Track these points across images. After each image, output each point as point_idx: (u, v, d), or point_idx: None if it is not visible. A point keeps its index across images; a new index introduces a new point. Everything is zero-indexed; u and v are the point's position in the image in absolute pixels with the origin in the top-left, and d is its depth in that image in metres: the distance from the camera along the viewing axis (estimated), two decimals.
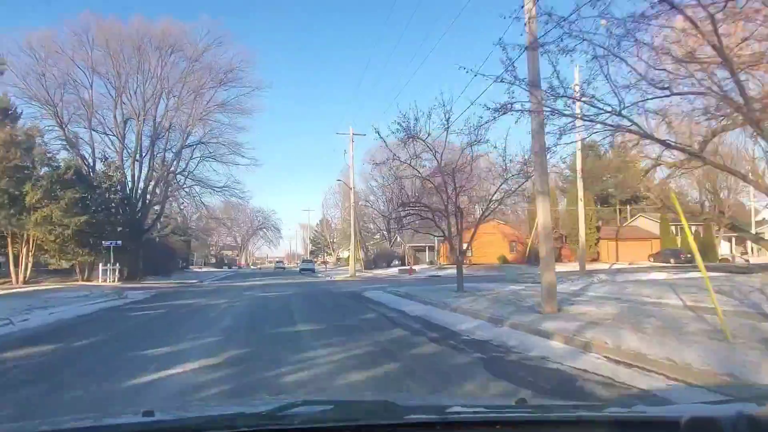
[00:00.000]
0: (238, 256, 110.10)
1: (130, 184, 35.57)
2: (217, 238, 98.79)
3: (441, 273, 37.78)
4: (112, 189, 33.00)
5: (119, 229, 32.23)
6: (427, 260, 60.18)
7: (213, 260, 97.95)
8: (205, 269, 75.43)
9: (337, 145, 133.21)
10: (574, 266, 44.28)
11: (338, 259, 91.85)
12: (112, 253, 31.31)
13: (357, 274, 38.71)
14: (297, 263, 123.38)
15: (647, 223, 56.99)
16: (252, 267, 78.56)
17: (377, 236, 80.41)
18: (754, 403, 1.58)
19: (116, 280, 33.42)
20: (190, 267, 74.96)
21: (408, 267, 40.78)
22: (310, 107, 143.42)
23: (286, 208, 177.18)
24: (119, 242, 31.23)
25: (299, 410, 1.53)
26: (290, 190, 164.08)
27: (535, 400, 3.74)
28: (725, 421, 1.25)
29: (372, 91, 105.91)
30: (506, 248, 46.31)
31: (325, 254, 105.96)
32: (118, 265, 34.83)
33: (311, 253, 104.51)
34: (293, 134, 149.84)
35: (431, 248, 61.26)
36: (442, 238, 54.25)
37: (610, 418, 1.53)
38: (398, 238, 65.57)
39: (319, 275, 47.85)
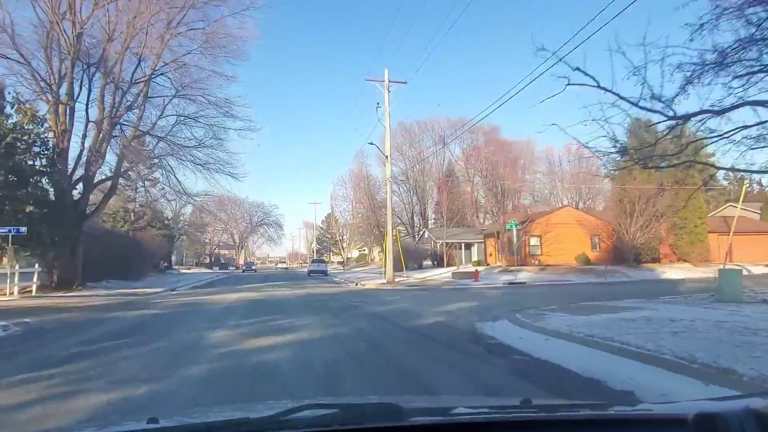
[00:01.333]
0: (236, 255, 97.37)
1: (62, 144, 22.86)
2: (211, 235, 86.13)
3: (518, 277, 25.28)
4: (22, 147, 20.40)
5: (30, 209, 19.64)
6: (465, 260, 47.67)
7: (207, 260, 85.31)
8: (194, 270, 62.82)
9: (346, 129, 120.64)
10: (689, 269, 31.83)
11: (348, 259, 79.33)
12: (11, 246, 18.77)
13: (396, 279, 26.22)
14: (301, 263, 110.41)
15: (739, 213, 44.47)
16: (245, 268, 64.14)
17: (394, 232, 67.88)
18: (760, 398, 1.47)
19: (35, 289, 21.00)
20: (176, 268, 62.33)
21: (473, 270, 28.27)
22: (318, 76, 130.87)
23: (288, 207, 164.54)
24: (22, 229, 18.67)
25: (304, 414, 1.47)
26: (292, 188, 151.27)
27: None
28: (732, 416, 1.20)
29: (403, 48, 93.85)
30: (587, 244, 33.77)
31: (332, 253, 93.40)
32: (38, 266, 22.34)
33: (317, 252, 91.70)
34: (295, 123, 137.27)
35: (468, 245, 48.91)
36: (485, 236, 41.45)
37: (616, 417, 1.51)
38: (426, 234, 53.06)
39: (336, 279, 35.28)
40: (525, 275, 26.73)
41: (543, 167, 63.12)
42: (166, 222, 50.53)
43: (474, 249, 48.94)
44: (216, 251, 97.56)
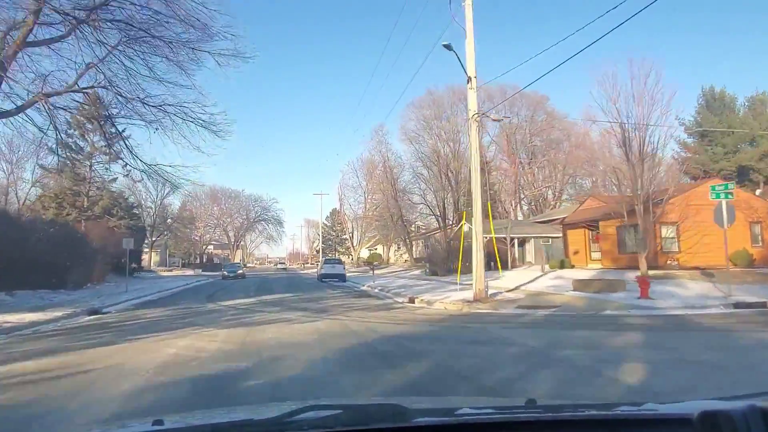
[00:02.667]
0: (231, 255, 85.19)
1: None
2: (202, 232, 73.94)
3: (731, 294, 13.47)
4: None
5: None
6: (518, 258, 35.98)
7: (198, 260, 73.15)
8: (177, 273, 50.72)
9: (353, 117, 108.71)
10: None
11: (359, 259, 67.42)
12: None
13: (487, 294, 14.33)
14: (302, 264, 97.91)
15: None
16: (227, 273, 38.09)
17: (413, 227, 55.75)
18: (764, 397, 1.42)
19: None
20: (155, 270, 50.30)
21: (594, 274, 16.55)
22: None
23: (287, 204, 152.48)
24: None
25: (308, 415, 1.40)
26: (293, 185, 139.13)
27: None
28: (737, 415, 1.15)
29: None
30: (744, 235, 21.93)
31: (337, 252, 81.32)
32: None
33: (322, 251, 79.74)
34: (296, 107, 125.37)
35: (522, 241, 37.16)
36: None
37: (622, 417, 1.48)
38: (466, 227, 41.25)
39: (363, 288, 23.49)
40: (704, 287, 14.92)
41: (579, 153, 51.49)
42: (134, 211, 38.53)
43: (530, 245, 37.22)
44: (210, 251, 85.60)
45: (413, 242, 49.44)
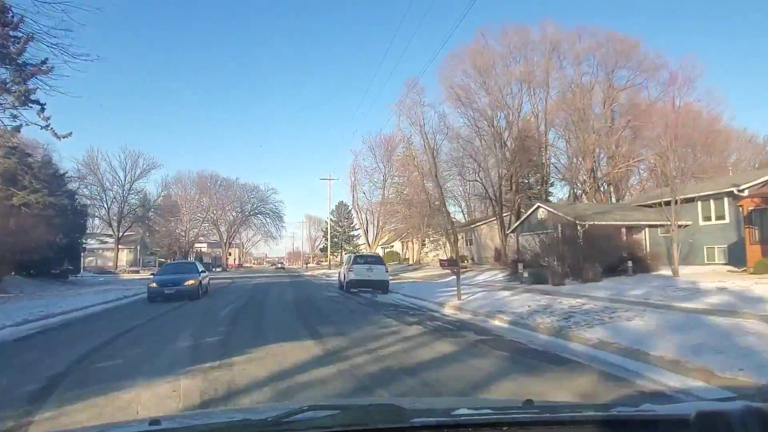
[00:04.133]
0: (222, 253, 72.59)
1: None
2: (188, 226, 61.25)
3: None
4: None
5: None
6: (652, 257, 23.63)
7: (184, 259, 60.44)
8: (144, 275, 38.16)
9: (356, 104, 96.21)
10: None
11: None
12: None
13: None
14: (303, 264, 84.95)
15: None
16: (158, 285, 15.99)
17: (457, 216, 43.50)
18: (760, 398, 1.44)
19: None
20: (117, 272, 37.82)
21: None
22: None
23: (287, 200, 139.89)
24: None
25: (306, 416, 1.39)
26: (293, 184, 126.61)
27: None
28: (734, 414, 1.14)
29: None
30: None
31: (343, 252, 68.83)
32: None
33: (327, 248, 67.31)
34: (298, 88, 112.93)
35: (631, 229, 24.84)
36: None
37: (619, 418, 1.46)
38: (540, 211, 28.84)
39: (445, 308, 11.10)
40: None
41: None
42: (68, 186, 26.01)
43: (647, 233, 24.84)
44: (201, 250, 73.17)
45: (463, 235, 37.16)
